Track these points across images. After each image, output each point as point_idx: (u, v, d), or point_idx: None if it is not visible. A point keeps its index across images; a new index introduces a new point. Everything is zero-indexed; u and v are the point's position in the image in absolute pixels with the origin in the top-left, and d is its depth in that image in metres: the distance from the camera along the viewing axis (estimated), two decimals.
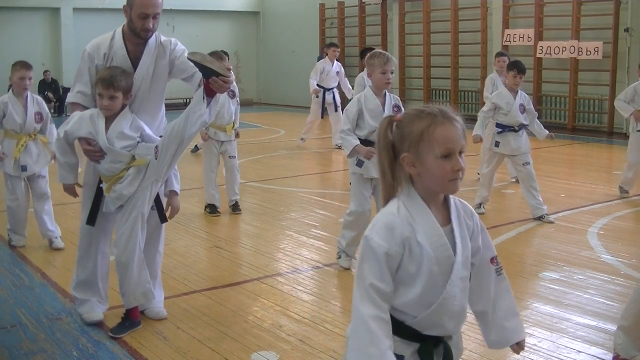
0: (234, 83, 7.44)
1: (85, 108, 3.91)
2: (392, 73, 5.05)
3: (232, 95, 7.05)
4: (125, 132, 3.81)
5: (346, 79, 11.77)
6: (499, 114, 6.49)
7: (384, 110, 4.97)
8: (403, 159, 1.90)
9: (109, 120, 3.81)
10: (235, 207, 7.01)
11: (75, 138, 3.84)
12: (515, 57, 13.69)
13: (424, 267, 1.87)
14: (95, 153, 3.79)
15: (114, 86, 3.72)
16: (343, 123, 4.99)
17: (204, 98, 3.62)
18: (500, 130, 6.48)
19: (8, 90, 5.71)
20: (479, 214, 6.07)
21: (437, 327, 1.92)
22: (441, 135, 1.85)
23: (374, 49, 8.49)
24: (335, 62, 11.59)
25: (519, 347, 2.09)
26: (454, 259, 1.89)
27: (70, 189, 4.03)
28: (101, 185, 3.94)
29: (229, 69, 3.59)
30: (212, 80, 3.49)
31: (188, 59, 3.61)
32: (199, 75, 3.71)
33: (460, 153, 1.88)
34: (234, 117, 7.03)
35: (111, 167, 3.81)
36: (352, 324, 1.88)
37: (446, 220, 1.94)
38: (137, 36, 3.85)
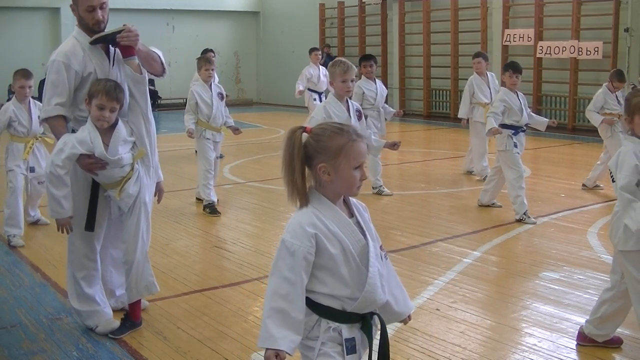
0: (218, 83, 7.48)
1: (66, 120, 3.83)
2: (352, 81, 5.20)
3: (222, 97, 7.16)
4: (127, 138, 3.82)
5: None
6: (511, 116, 6.47)
7: (349, 115, 5.31)
8: (320, 168, 2.18)
9: (104, 131, 3.75)
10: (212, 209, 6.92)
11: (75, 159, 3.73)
12: (516, 57, 13.80)
13: (346, 252, 2.18)
14: (97, 164, 3.73)
15: (117, 98, 3.70)
16: None
17: (118, 57, 3.80)
18: (514, 132, 6.48)
19: (8, 94, 5.83)
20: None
21: (372, 304, 2.24)
22: (356, 151, 2.19)
23: (372, 55, 8.38)
24: (322, 67, 11.58)
25: (408, 318, 2.47)
26: (364, 241, 2.22)
27: (65, 222, 3.78)
28: (106, 194, 3.89)
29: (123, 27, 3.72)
30: (118, 38, 3.66)
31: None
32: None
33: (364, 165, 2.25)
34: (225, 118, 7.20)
35: (121, 171, 3.80)
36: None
37: (349, 215, 2.27)
38: (91, 32, 3.78)
